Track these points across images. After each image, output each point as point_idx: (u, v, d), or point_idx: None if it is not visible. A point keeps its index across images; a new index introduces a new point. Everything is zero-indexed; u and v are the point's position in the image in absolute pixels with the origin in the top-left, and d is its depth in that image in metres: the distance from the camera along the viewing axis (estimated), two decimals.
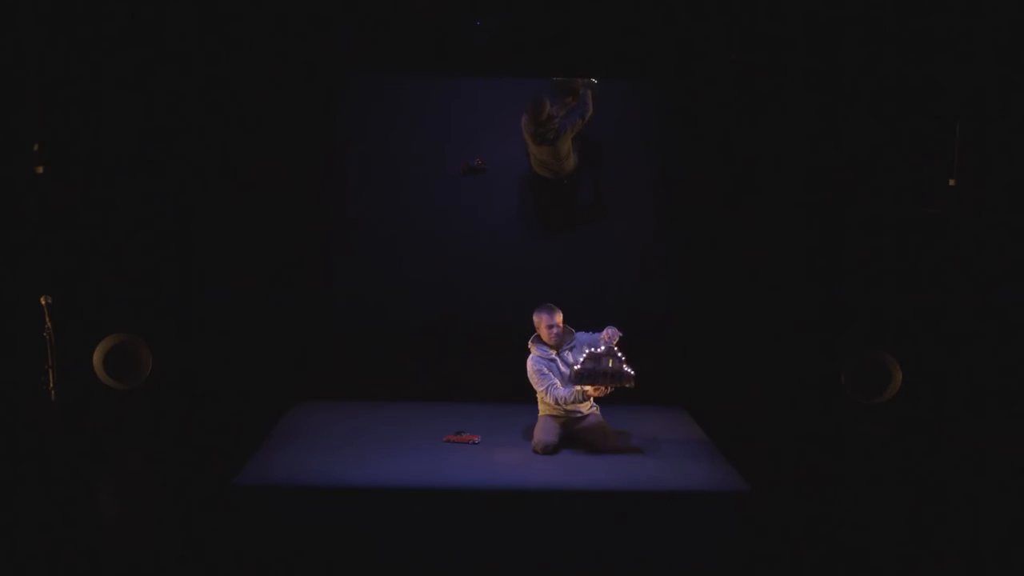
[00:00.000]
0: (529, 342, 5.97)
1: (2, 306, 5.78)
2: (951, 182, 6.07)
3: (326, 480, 5.22)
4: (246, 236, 6.78)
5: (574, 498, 5.13)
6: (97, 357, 6.11)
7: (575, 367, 5.66)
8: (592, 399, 5.86)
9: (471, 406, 6.84)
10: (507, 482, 5.28)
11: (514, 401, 6.43)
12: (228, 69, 6.42)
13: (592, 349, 5.65)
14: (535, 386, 5.90)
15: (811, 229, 6.68)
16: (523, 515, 5.01)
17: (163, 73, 6.24)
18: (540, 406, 5.99)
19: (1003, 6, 5.92)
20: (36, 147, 5.75)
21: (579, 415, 5.92)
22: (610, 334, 5.74)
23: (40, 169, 5.76)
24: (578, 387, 5.71)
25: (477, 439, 6.00)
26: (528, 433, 6.03)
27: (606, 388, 5.67)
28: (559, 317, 5.89)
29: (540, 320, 5.88)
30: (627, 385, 5.62)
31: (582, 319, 6.08)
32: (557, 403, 5.81)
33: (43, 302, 5.61)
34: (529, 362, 5.92)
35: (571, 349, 5.93)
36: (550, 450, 5.78)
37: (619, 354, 5.61)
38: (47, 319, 5.62)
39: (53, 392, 5.67)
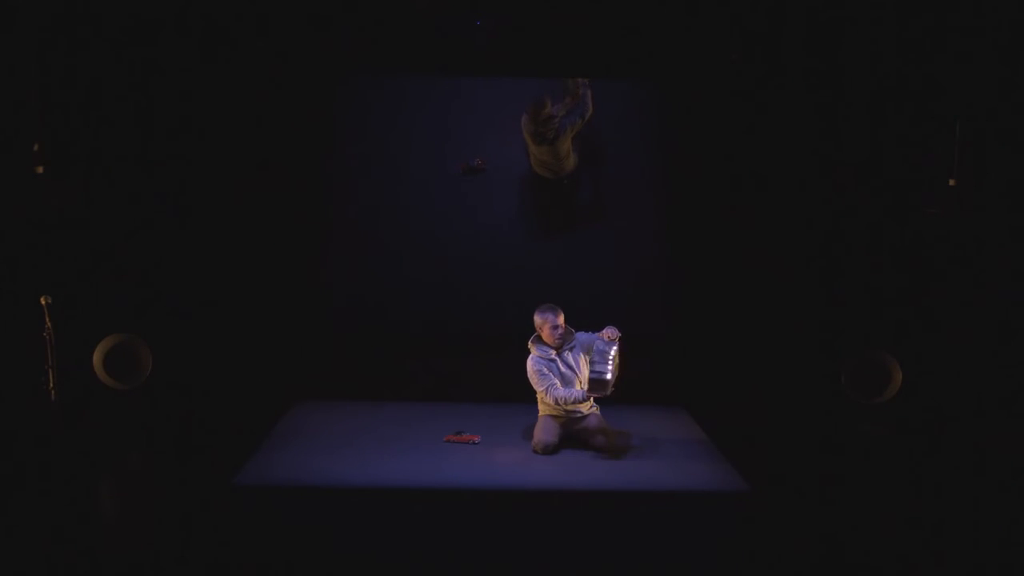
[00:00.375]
0: (529, 342, 5.97)
1: (2, 306, 5.78)
2: (951, 182, 6.07)
3: (326, 480, 5.22)
4: (246, 236, 6.78)
5: (574, 498, 5.13)
6: (97, 357, 6.11)
7: (601, 375, 5.64)
8: (592, 399, 5.86)
9: (471, 406, 6.84)
10: (507, 482, 5.28)
11: (514, 401, 6.43)
12: (228, 69, 6.42)
13: (599, 356, 5.64)
14: (535, 386, 5.90)
15: (811, 229, 6.68)
16: (523, 515, 5.01)
17: (163, 73, 6.24)
18: (540, 406, 5.99)
19: (1003, 6, 5.91)
20: (36, 147, 5.75)
21: (579, 415, 5.92)
22: (610, 333, 5.74)
23: (40, 169, 5.76)
24: (578, 387, 5.72)
25: (477, 439, 6.01)
26: (528, 433, 6.03)
27: (611, 389, 5.68)
28: (562, 318, 5.90)
29: (544, 321, 5.88)
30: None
31: (582, 319, 6.08)
32: (557, 403, 5.81)
33: (43, 302, 5.61)
34: (529, 362, 5.92)
35: (571, 349, 5.93)
36: (550, 450, 5.78)
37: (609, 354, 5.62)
38: (47, 319, 5.62)
39: (53, 392, 5.67)
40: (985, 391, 6.08)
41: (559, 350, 5.93)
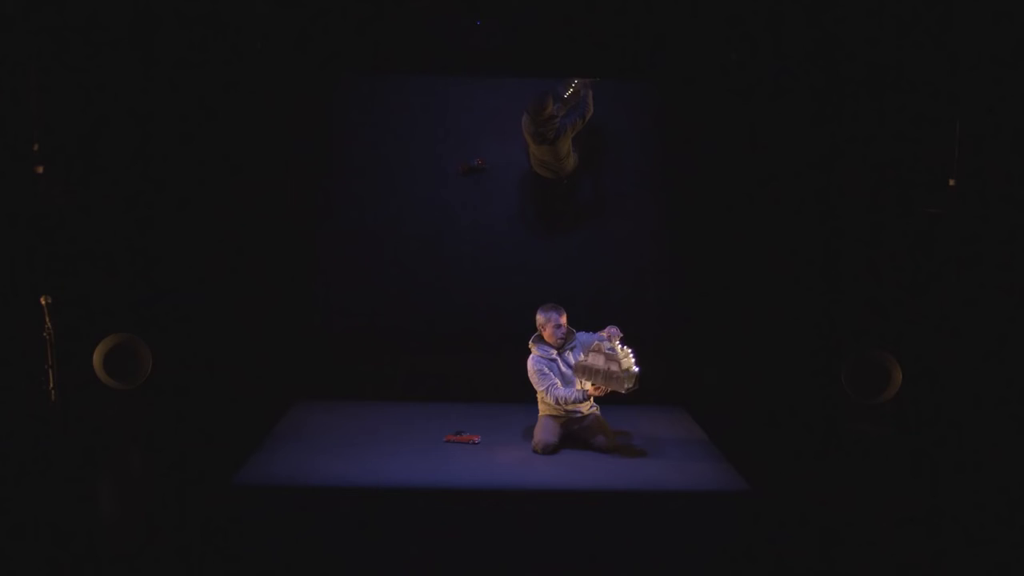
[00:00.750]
0: (530, 342, 5.97)
1: (2, 306, 5.78)
2: (951, 182, 6.07)
3: (326, 480, 5.22)
4: (246, 236, 6.77)
5: (574, 498, 5.13)
6: (97, 357, 6.11)
7: (583, 359, 5.66)
8: (592, 399, 5.86)
9: (471, 406, 6.84)
10: (507, 482, 5.28)
11: (514, 401, 6.44)
12: (228, 69, 6.41)
13: (596, 347, 5.64)
14: (535, 386, 5.90)
15: (811, 229, 6.68)
16: (523, 515, 5.01)
17: (163, 73, 6.24)
18: (540, 406, 5.99)
19: (1003, 6, 5.91)
20: (36, 147, 5.75)
21: (579, 415, 5.92)
22: (611, 333, 5.74)
23: (40, 169, 5.76)
24: (579, 387, 5.72)
25: (477, 439, 6.00)
26: (528, 433, 6.03)
27: (605, 388, 5.67)
28: (564, 318, 5.89)
29: (547, 320, 5.88)
30: (621, 389, 5.60)
31: (582, 319, 6.08)
32: (558, 403, 5.81)
33: (43, 302, 5.60)
34: (530, 362, 5.92)
35: (572, 349, 5.93)
36: (550, 450, 5.78)
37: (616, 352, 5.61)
38: (47, 319, 5.62)
39: (53, 392, 5.66)
40: (985, 391, 6.08)
41: (560, 350, 5.93)
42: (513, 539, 4.90)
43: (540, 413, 5.99)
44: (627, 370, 5.53)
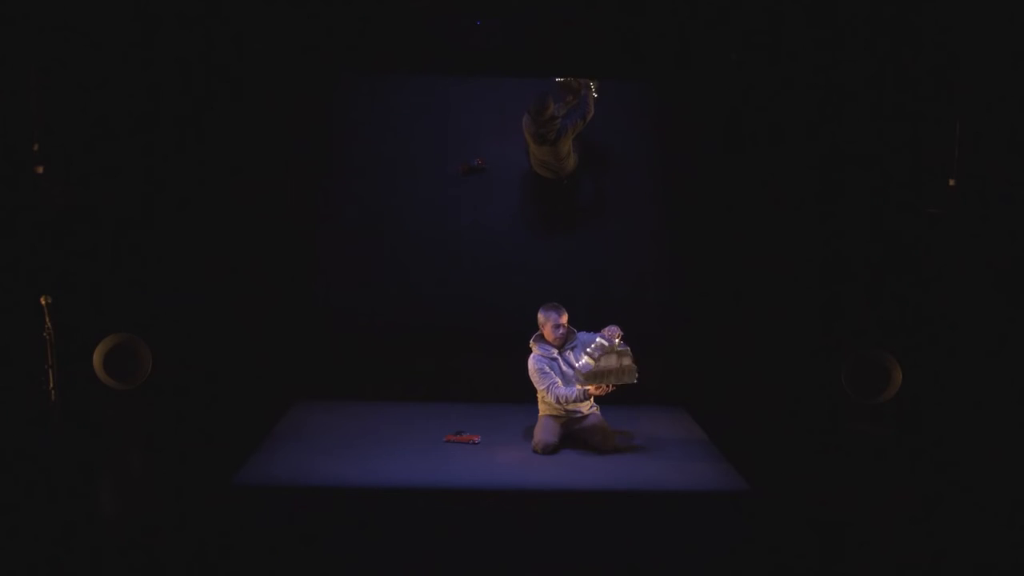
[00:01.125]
0: (531, 341, 5.97)
1: (2, 306, 5.78)
2: (951, 182, 6.07)
3: (326, 480, 5.22)
4: (246, 236, 6.77)
5: (574, 498, 5.13)
6: (97, 357, 6.11)
7: (580, 365, 5.66)
8: (592, 399, 5.86)
9: (471, 406, 6.84)
10: (507, 482, 5.28)
11: (514, 401, 6.43)
12: (228, 69, 6.41)
13: (593, 347, 5.65)
14: (536, 384, 5.90)
15: (811, 228, 6.67)
16: (523, 515, 5.01)
17: (163, 74, 6.24)
18: (540, 406, 5.99)
19: (1003, 6, 5.91)
20: (36, 147, 5.75)
21: (579, 415, 5.92)
22: (611, 332, 5.74)
23: (40, 169, 5.76)
24: (581, 387, 5.71)
25: (477, 439, 6.00)
26: (528, 433, 6.03)
27: (608, 387, 5.67)
28: (565, 317, 5.90)
29: (547, 319, 5.88)
30: (631, 380, 5.61)
31: (582, 319, 6.08)
32: (558, 402, 5.81)
33: (43, 302, 5.60)
34: (531, 361, 5.92)
35: (572, 349, 5.93)
36: (550, 450, 5.78)
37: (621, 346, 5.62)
38: (47, 319, 5.62)
39: (53, 392, 5.66)
40: (985, 391, 6.08)
41: (561, 349, 5.93)
42: (513, 539, 4.89)
43: (540, 413, 5.99)
44: (632, 362, 5.56)
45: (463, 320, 7.07)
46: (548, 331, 5.89)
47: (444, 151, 7.05)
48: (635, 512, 5.07)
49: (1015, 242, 6.03)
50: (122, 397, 6.16)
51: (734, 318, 6.88)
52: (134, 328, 6.23)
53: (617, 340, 5.66)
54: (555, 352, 5.92)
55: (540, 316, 5.93)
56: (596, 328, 5.88)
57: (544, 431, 5.86)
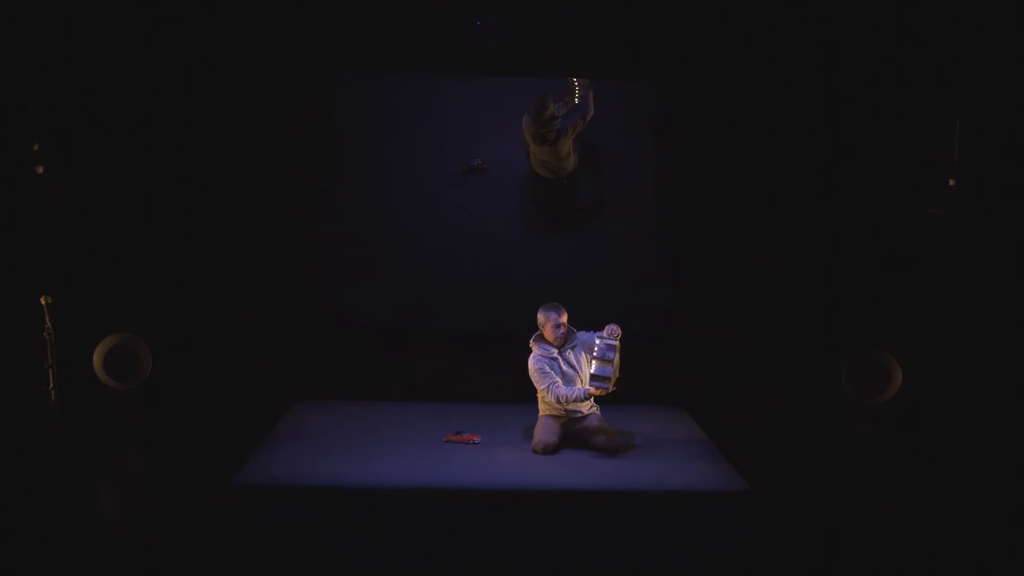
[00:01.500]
0: (531, 341, 5.97)
1: (2, 306, 5.77)
2: (951, 182, 6.07)
3: (326, 480, 5.22)
4: (245, 236, 6.77)
5: (574, 498, 5.13)
6: (97, 357, 6.11)
7: (598, 370, 5.65)
8: (592, 399, 5.86)
9: (471, 406, 6.84)
10: (507, 482, 5.28)
11: (514, 401, 6.43)
12: (228, 69, 6.41)
13: (602, 348, 5.64)
14: (536, 384, 5.90)
15: (811, 228, 6.67)
16: (523, 515, 5.01)
17: (163, 74, 6.23)
18: (540, 406, 5.99)
19: (1004, 6, 5.91)
20: (36, 147, 5.75)
21: (579, 415, 5.92)
22: (611, 331, 5.75)
23: (40, 169, 5.76)
24: (588, 388, 5.72)
25: (477, 439, 6.00)
26: (528, 433, 6.03)
27: (611, 387, 5.67)
28: (565, 317, 5.90)
29: (547, 319, 5.88)
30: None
31: (582, 319, 6.08)
32: (559, 401, 5.81)
33: (43, 302, 5.60)
34: (531, 360, 5.92)
35: (572, 348, 5.93)
36: (550, 450, 5.78)
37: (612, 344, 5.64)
38: (47, 319, 5.62)
39: (53, 392, 5.66)
40: (985, 391, 6.08)
41: (561, 349, 5.93)
42: (513, 539, 4.89)
43: (540, 413, 5.99)
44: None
45: (463, 320, 7.07)
46: (548, 331, 5.89)
47: (444, 151, 7.06)
48: (635, 512, 5.07)
49: (1015, 242, 6.03)
50: (122, 397, 6.16)
51: (734, 318, 6.88)
52: (134, 328, 6.23)
53: (617, 340, 5.67)
54: (555, 352, 5.92)
55: (540, 316, 5.93)
56: (596, 328, 5.88)
57: (544, 431, 5.86)
